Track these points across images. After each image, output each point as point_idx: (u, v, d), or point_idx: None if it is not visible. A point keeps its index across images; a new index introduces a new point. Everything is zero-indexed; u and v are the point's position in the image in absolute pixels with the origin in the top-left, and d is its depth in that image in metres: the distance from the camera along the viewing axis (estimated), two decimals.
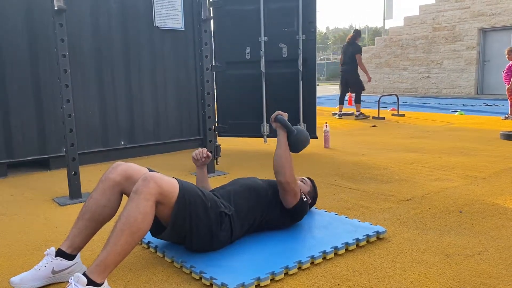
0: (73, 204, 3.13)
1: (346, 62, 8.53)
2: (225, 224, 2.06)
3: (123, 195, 1.98)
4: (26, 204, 3.20)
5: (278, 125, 2.30)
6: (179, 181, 1.93)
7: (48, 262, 1.85)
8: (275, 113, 2.34)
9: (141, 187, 1.75)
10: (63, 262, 1.87)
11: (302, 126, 2.40)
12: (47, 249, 1.89)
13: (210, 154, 2.50)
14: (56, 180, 3.90)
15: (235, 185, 2.29)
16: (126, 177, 1.94)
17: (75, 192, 3.22)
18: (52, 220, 2.80)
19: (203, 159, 2.48)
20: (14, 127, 4.17)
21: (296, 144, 2.27)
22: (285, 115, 2.33)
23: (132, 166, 2.00)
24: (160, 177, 1.82)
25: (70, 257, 1.88)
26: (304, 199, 2.33)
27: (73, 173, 3.19)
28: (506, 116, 7.70)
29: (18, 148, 4.20)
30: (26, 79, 4.20)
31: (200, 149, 2.49)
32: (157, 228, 1.99)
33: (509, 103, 7.71)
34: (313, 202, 2.63)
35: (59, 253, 1.87)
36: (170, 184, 1.85)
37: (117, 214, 1.92)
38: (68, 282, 1.63)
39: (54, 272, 1.85)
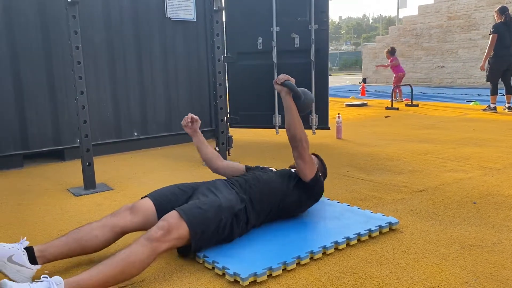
0: (88, 194, 3.17)
1: None
2: (242, 222, 2.08)
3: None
4: (41, 194, 3.26)
5: (284, 89, 2.27)
6: (188, 215, 1.89)
7: (16, 248, 1.77)
8: (282, 76, 2.29)
9: (154, 236, 1.77)
10: (24, 258, 1.76)
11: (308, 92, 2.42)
12: (22, 238, 1.84)
13: (196, 116, 2.56)
14: (70, 171, 3.96)
15: (251, 176, 2.27)
16: (139, 223, 2.00)
17: (89, 182, 3.26)
18: (67, 210, 2.85)
19: (190, 123, 2.53)
20: (29, 119, 4.23)
21: (303, 109, 2.33)
22: (292, 80, 2.30)
23: (146, 212, 2.02)
24: (174, 225, 1.83)
25: (33, 260, 1.78)
26: (319, 175, 2.35)
27: (87, 164, 3.23)
28: None
29: (33, 140, 4.26)
30: (40, 71, 4.24)
31: (186, 116, 2.54)
32: (184, 249, 2.03)
33: None
34: (324, 177, 2.61)
35: (29, 249, 1.79)
36: (181, 229, 1.85)
37: (104, 250, 1.97)
38: (9, 278, 1.66)
39: (10, 259, 1.73)
